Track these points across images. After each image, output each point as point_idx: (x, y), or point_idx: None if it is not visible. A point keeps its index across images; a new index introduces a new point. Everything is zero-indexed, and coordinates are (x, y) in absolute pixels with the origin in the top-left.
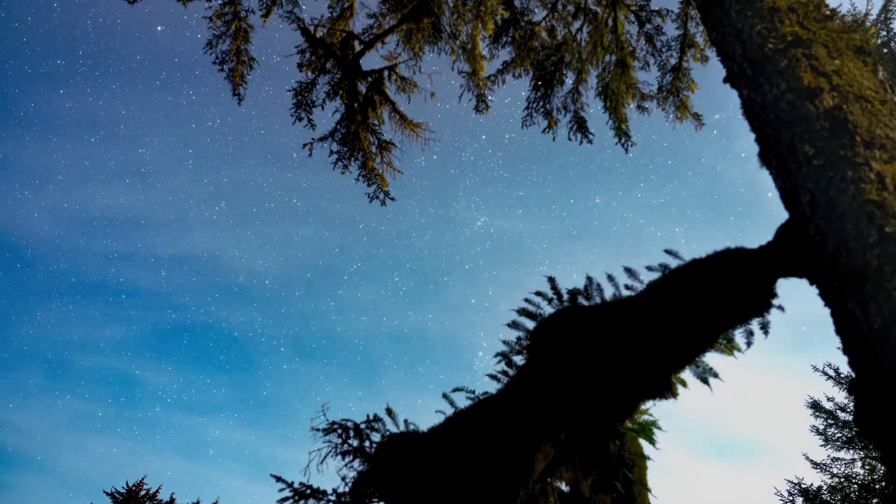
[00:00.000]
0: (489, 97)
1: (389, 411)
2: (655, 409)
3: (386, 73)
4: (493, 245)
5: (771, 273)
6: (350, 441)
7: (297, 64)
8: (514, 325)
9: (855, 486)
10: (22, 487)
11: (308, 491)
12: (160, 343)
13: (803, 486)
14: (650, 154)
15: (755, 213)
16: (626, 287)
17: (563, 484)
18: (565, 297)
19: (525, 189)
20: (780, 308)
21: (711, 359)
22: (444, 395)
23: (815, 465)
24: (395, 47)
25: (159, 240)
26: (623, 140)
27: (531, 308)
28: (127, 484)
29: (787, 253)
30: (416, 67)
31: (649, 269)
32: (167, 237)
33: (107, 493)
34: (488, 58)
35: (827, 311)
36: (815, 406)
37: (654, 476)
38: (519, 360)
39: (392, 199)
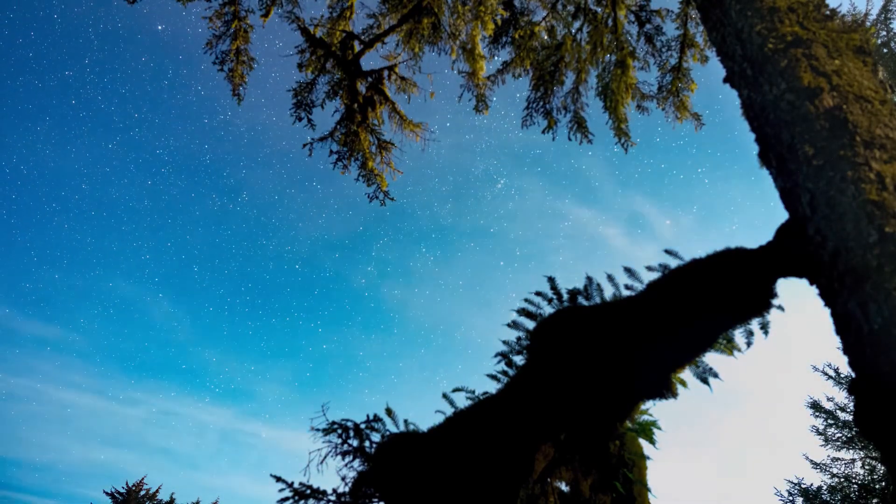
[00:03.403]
0: (490, 97)
1: (389, 411)
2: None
3: (386, 73)
4: (515, 206)
5: (771, 273)
6: (350, 441)
7: (297, 64)
8: (514, 325)
9: (855, 486)
10: None
11: (308, 491)
12: None
13: (803, 486)
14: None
15: None
16: (626, 287)
17: (563, 484)
18: (565, 297)
19: (541, 147)
20: (780, 308)
21: (711, 359)
22: (444, 395)
23: (815, 465)
24: (394, 47)
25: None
26: (622, 140)
27: (531, 308)
28: (127, 484)
29: (787, 253)
30: (415, 67)
31: (649, 269)
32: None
33: (107, 493)
34: (488, 58)
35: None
36: (815, 406)
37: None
38: (519, 360)
39: (392, 199)
